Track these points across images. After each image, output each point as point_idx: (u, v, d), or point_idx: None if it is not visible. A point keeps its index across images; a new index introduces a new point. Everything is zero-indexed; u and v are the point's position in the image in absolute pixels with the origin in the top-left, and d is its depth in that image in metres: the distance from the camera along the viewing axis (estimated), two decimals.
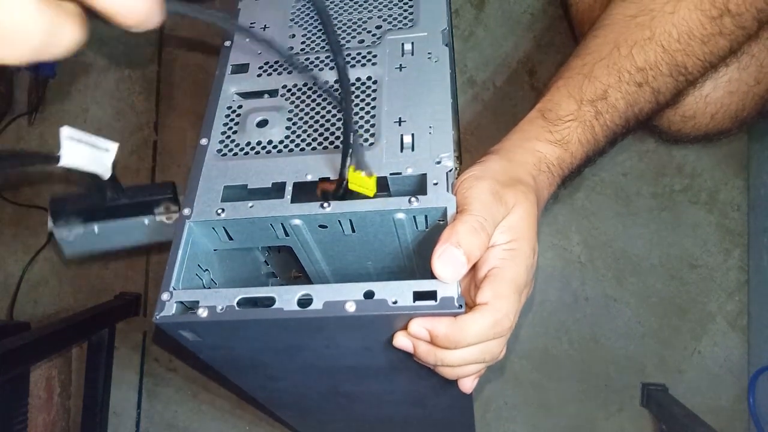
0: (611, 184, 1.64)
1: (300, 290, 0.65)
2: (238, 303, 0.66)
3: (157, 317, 0.67)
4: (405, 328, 0.66)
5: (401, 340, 0.67)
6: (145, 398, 1.75)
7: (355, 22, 0.91)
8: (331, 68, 0.85)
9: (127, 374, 1.76)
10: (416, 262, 0.82)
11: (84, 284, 1.80)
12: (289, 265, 1.03)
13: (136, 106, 1.83)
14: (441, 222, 0.71)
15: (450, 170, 0.71)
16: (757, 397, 1.51)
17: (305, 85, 0.85)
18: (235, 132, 0.82)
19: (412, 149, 0.74)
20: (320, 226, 0.74)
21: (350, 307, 0.63)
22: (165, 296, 0.68)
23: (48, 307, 1.81)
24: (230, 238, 0.77)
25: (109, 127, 1.83)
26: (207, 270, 0.79)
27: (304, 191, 0.74)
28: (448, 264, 0.63)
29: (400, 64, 0.83)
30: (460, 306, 0.62)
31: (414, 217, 0.71)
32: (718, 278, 1.59)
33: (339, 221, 0.73)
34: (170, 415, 1.73)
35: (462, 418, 1.20)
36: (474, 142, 1.68)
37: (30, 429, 1.54)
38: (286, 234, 0.76)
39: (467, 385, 0.73)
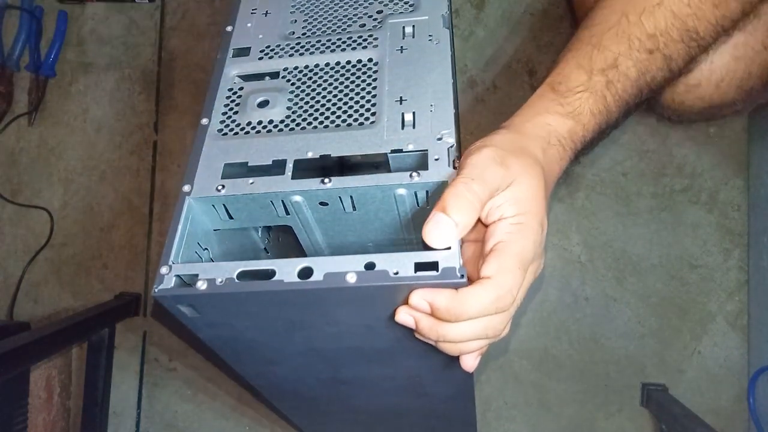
0: (611, 184, 1.64)
1: (301, 262, 0.65)
2: (238, 276, 0.66)
3: (156, 290, 0.67)
4: (406, 303, 0.65)
5: (403, 316, 0.66)
6: (145, 398, 1.74)
7: (357, 7, 0.92)
8: (332, 51, 0.86)
9: (127, 374, 1.75)
10: (417, 241, 0.82)
11: (84, 284, 1.80)
12: (289, 252, 1.03)
13: (136, 106, 1.84)
14: None
15: (451, 146, 0.72)
16: (757, 397, 1.50)
17: (306, 67, 0.85)
18: (236, 112, 0.82)
19: (413, 126, 0.75)
20: (321, 203, 0.74)
21: (351, 278, 0.62)
22: (164, 270, 0.68)
23: (48, 307, 1.81)
24: (230, 217, 0.77)
25: (109, 127, 1.84)
26: (206, 249, 0.79)
27: (304, 169, 0.74)
28: (435, 229, 0.63)
29: (401, 46, 0.83)
30: (462, 276, 0.61)
31: (415, 192, 0.71)
32: (718, 278, 1.59)
33: (340, 198, 0.73)
34: (170, 415, 1.73)
35: (463, 413, 1.20)
36: (474, 142, 1.67)
37: (30, 429, 1.54)
38: (287, 212, 0.76)
39: (469, 362, 0.72)
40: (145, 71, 1.86)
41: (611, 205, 1.63)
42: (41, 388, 1.61)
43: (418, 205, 0.74)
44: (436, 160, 0.70)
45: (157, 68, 1.86)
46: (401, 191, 0.71)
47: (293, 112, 0.80)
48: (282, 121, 0.79)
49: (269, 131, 0.79)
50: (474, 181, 0.65)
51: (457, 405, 1.13)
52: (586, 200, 1.64)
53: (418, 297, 0.64)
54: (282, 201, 0.74)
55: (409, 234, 0.81)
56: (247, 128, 0.80)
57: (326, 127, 0.77)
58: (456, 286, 0.62)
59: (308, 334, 0.78)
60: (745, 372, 1.57)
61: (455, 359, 0.72)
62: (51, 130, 1.86)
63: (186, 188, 0.74)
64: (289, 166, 0.73)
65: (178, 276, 0.67)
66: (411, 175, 0.69)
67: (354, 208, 0.75)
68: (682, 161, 1.62)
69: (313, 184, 0.71)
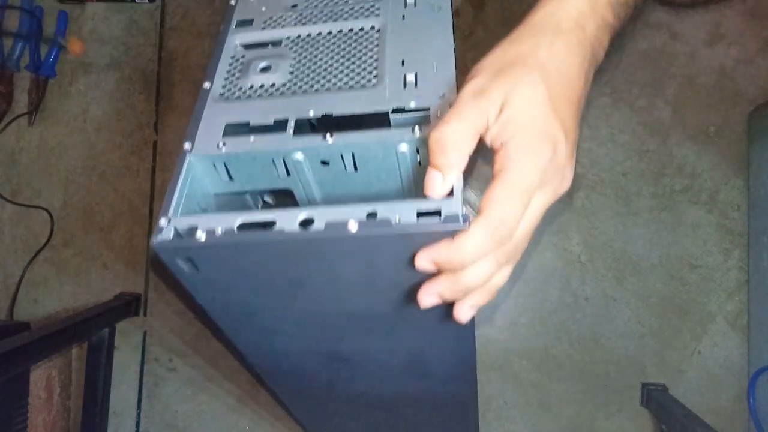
0: (611, 184, 1.64)
1: (302, 212, 0.64)
2: (238, 227, 0.65)
3: (155, 242, 0.66)
4: (409, 255, 0.63)
5: (422, 262, 0.62)
6: (145, 398, 1.74)
7: None
8: (334, 20, 0.86)
9: (127, 374, 1.75)
10: None
11: (84, 284, 1.79)
12: None
13: (136, 106, 1.84)
14: None
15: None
16: (757, 397, 1.50)
17: (309, 35, 0.85)
18: (238, 77, 0.82)
19: (415, 86, 0.75)
20: (322, 162, 0.74)
21: (353, 227, 0.61)
22: (163, 221, 0.67)
23: (48, 307, 1.80)
24: (230, 178, 0.77)
25: (109, 127, 1.84)
26: (205, 210, 0.78)
27: (305, 130, 0.74)
28: (427, 180, 0.62)
29: (403, 15, 0.84)
30: (465, 221, 0.60)
31: (417, 149, 0.71)
32: (718, 278, 1.59)
33: (341, 156, 0.73)
34: (170, 415, 1.72)
35: (465, 403, 1.19)
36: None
37: (30, 429, 1.53)
38: (288, 173, 0.75)
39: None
40: (145, 71, 1.86)
41: (611, 205, 1.63)
42: (41, 388, 1.60)
43: (420, 164, 0.73)
44: (438, 117, 0.70)
45: (157, 68, 1.86)
46: (403, 148, 0.71)
47: (295, 76, 0.80)
48: (284, 84, 0.79)
49: (271, 94, 0.79)
50: (448, 123, 0.61)
51: (459, 390, 1.12)
52: (586, 200, 1.64)
53: (421, 260, 0.61)
54: (283, 160, 0.73)
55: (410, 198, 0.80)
56: (249, 91, 0.80)
57: (328, 89, 0.77)
58: (452, 236, 0.60)
59: (308, 295, 0.77)
60: (745, 372, 1.56)
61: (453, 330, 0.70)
62: (51, 130, 1.86)
63: (186, 146, 0.74)
64: (291, 124, 0.73)
65: (177, 230, 0.67)
66: (413, 129, 0.69)
67: (355, 168, 0.74)
68: (682, 161, 1.62)
69: (314, 140, 0.71)
